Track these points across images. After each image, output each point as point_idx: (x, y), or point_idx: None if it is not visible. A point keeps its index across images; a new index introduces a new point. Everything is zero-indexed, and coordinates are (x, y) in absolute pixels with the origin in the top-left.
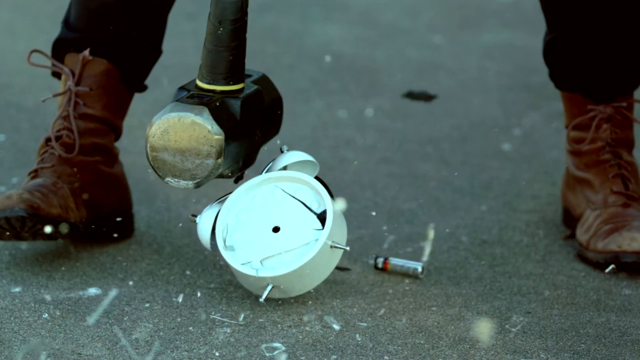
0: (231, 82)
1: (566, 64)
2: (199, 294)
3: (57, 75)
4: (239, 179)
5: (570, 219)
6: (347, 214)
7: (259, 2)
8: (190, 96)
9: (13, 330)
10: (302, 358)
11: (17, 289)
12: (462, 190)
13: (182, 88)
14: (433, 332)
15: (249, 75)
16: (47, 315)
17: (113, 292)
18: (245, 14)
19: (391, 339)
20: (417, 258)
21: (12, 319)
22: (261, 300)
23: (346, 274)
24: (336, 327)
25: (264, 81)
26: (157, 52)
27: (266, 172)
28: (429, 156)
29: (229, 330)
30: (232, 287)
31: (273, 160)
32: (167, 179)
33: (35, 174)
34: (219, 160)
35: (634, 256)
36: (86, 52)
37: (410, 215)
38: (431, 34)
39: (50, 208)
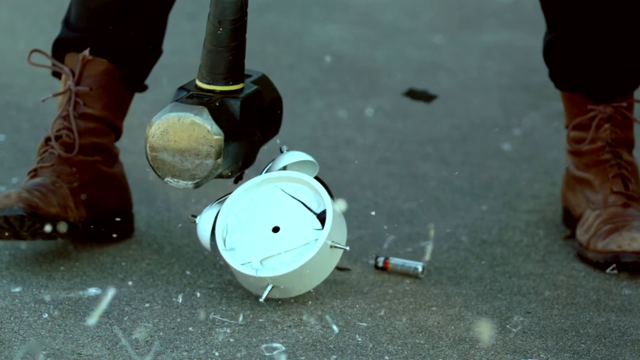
0: (231, 82)
1: (566, 64)
2: (198, 294)
3: (57, 75)
4: (238, 179)
5: (570, 219)
6: (347, 214)
7: (259, 2)
8: (190, 96)
9: (13, 330)
10: (302, 358)
11: (17, 289)
12: (462, 190)
13: (181, 88)
14: (433, 332)
15: (249, 76)
16: (47, 315)
17: (113, 292)
18: (245, 14)
19: (391, 339)
20: (417, 258)
21: (12, 319)
22: (261, 300)
23: (346, 274)
24: (336, 327)
25: (263, 81)
26: (157, 52)
27: (266, 172)
28: (429, 156)
29: (228, 330)
30: (232, 287)
31: (273, 160)
32: (167, 179)
33: (34, 173)
34: (219, 161)
35: (634, 256)
36: (86, 52)
37: (410, 215)
38: (431, 34)
39: (49, 207)
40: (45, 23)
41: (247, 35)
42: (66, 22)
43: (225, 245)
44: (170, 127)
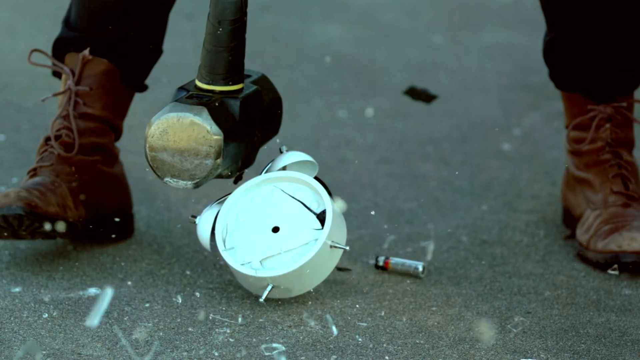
0: (230, 83)
1: (566, 64)
2: (198, 294)
3: (57, 74)
4: (238, 179)
5: (570, 219)
6: (347, 214)
7: (259, 2)
8: (190, 96)
9: (13, 330)
10: (302, 358)
11: (17, 289)
12: (462, 190)
13: (181, 88)
14: (433, 332)
15: (249, 76)
16: (47, 315)
17: (113, 292)
18: (245, 14)
19: (391, 339)
20: (417, 258)
21: (12, 319)
22: (261, 300)
23: (346, 273)
24: (335, 328)
25: (263, 81)
26: (157, 52)
27: (265, 172)
28: (429, 156)
29: (228, 331)
30: (232, 287)
31: (272, 160)
32: (166, 179)
33: (34, 172)
34: (218, 161)
35: (634, 256)
36: (86, 52)
37: (410, 215)
38: (431, 34)
39: (48, 206)
40: (45, 23)
41: (247, 35)
42: (66, 22)
43: (225, 246)
44: (169, 127)
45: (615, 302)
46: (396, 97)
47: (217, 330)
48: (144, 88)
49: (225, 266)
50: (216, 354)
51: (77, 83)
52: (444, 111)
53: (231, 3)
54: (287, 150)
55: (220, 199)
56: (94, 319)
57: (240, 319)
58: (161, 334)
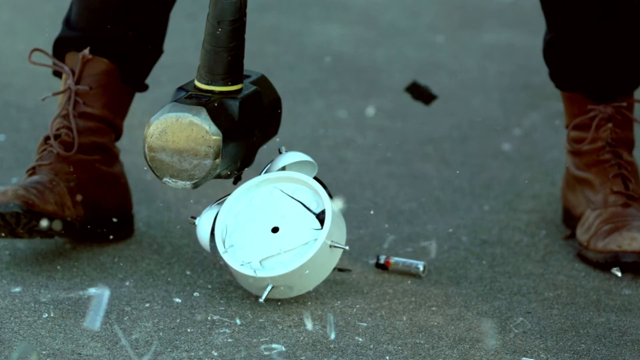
0: (229, 83)
1: (566, 63)
2: (198, 294)
3: (58, 74)
4: (237, 180)
5: (570, 219)
6: (347, 214)
7: (259, 2)
8: (189, 96)
9: (13, 330)
10: (302, 358)
11: (17, 289)
12: (462, 190)
13: (180, 88)
14: (433, 332)
15: (248, 76)
16: (47, 315)
17: (109, 294)
18: (244, 14)
19: (391, 339)
20: (417, 258)
21: (12, 319)
22: (261, 300)
23: (346, 273)
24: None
25: (262, 82)
26: (157, 52)
27: (265, 172)
28: (429, 156)
29: (228, 331)
30: (232, 287)
31: (272, 161)
32: (165, 179)
33: (32, 171)
34: (217, 161)
35: (634, 256)
36: (86, 51)
37: (410, 215)
38: (431, 33)
39: (46, 205)
40: (45, 23)
41: (247, 35)
42: (67, 22)
43: (224, 246)
44: (168, 127)
45: (615, 302)
46: (396, 97)
47: (217, 330)
48: (144, 88)
49: (225, 266)
50: (216, 354)
51: (77, 82)
52: (444, 111)
53: (230, 3)
54: (286, 151)
55: (220, 200)
56: (93, 322)
57: (238, 321)
58: (161, 334)
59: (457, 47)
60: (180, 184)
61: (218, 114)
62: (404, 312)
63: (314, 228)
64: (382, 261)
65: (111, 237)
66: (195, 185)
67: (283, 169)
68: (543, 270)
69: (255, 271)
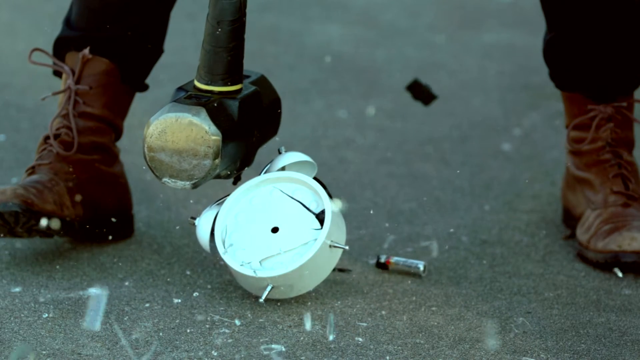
0: (229, 83)
1: (566, 63)
2: (198, 294)
3: (58, 74)
4: (237, 180)
5: (570, 219)
6: (347, 214)
7: (259, 2)
8: (188, 97)
9: (13, 330)
10: (302, 358)
11: (17, 289)
12: (462, 190)
13: (180, 88)
14: (433, 332)
15: (248, 76)
16: (47, 315)
17: (107, 295)
18: (244, 14)
19: (391, 339)
20: (418, 258)
21: (12, 319)
22: (261, 300)
23: (346, 273)
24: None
25: (262, 82)
26: (158, 51)
27: (264, 173)
28: (429, 156)
29: (228, 331)
30: (232, 287)
31: (271, 161)
32: (165, 179)
33: (32, 170)
34: (216, 161)
35: (634, 256)
36: (86, 51)
37: (410, 215)
38: (431, 33)
39: (45, 204)
40: (45, 23)
41: (247, 36)
42: (67, 21)
43: (224, 246)
44: (168, 128)
45: (615, 302)
46: (396, 97)
47: (216, 330)
48: (144, 87)
49: (225, 267)
50: (215, 354)
51: (77, 82)
52: (444, 111)
53: (230, 3)
54: (285, 151)
55: (220, 200)
56: (93, 324)
57: (237, 321)
58: (161, 334)
59: (457, 47)
60: (180, 184)
61: (217, 114)
62: (404, 312)
63: (313, 228)
64: (382, 260)
65: (110, 237)
66: (195, 186)
67: (283, 169)
68: (543, 270)
69: (255, 271)
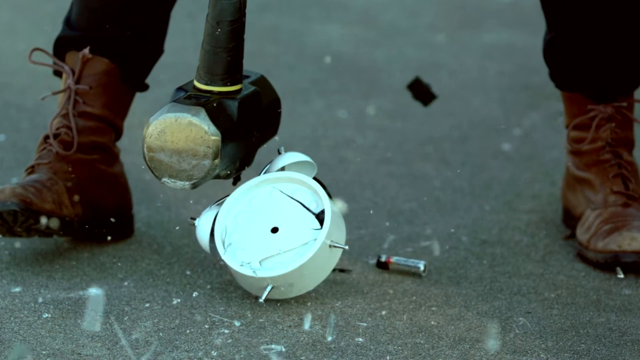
0: (229, 83)
1: (566, 63)
2: (198, 294)
3: (58, 73)
4: (236, 180)
5: (570, 219)
6: (347, 214)
7: (258, 2)
8: (188, 97)
9: (13, 330)
10: (302, 358)
11: (17, 289)
12: (462, 190)
13: (179, 88)
14: (433, 332)
15: (247, 76)
16: (47, 315)
17: (112, 293)
18: (244, 14)
19: (391, 339)
20: (418, 257)
21: (12, 319)
22: (261, 300)
23: (346, 274)
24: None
25: (262, 82)
26: (158, 51)
27: (264, 173)
28: (429, 156)
29: (228, 331)
30: (232, 287)
31: (271, 161)
32: (164, 179)
33: (31, 169)
34: (216, 161)
35: (634, 256)
36: (86, 51)
37: (410, 215)
38: (431, 33)
39: (43, 203)
40: (45, 23)
41: (247, 36)
42: (67, 21)
43: (224, 247)
44: (167, 128)
45: (615, 302)
46: (396, 97)
47: (216, 330)
48: (144, 87)
49: (225, 267)
50: (215, 354)
51: (77, 82)
52: (444, 111)
53: (230, 4)
54: (285, 151)
55: (219, 201)
56: (92, 324)
57: (237, 322)
58: (161, 334)
59: (457, 47)
60: (179, 184)
61: (217, 115)
62: (404, 312)
63: (313, 228)
64: (383, 259)
65: (110, 237)
66: (194, 186)
67: (282, 169)
68: (543, 270)
69: (255, 271)
